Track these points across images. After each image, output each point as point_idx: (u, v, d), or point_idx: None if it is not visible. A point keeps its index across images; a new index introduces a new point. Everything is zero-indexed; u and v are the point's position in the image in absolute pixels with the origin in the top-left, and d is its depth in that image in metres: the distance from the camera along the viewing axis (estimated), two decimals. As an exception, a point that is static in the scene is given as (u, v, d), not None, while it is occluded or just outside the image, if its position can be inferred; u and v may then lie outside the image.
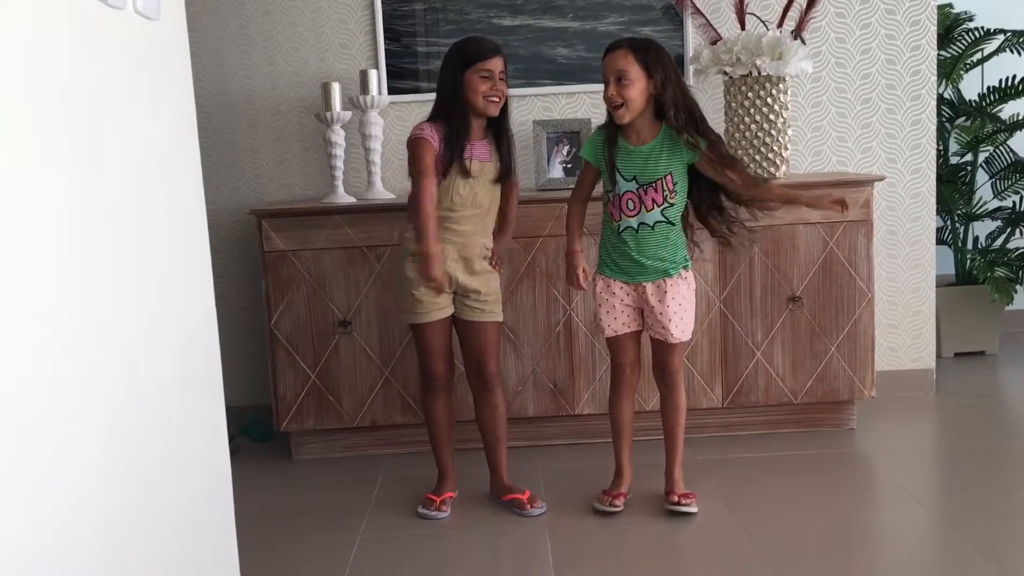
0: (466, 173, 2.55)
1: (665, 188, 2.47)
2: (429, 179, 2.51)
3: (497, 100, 2.56)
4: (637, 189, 2.48)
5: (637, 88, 2.42)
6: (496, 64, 2.54)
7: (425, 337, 2.65)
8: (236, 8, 3.44)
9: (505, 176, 2.66)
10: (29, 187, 0.97)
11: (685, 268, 2.55)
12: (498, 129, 2.65)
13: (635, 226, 2.50)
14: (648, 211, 2.48)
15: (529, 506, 2.67)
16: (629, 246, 2.51)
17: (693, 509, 2.58)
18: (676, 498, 2.59)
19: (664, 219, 2.49)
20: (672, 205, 2.49)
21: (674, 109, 2.43)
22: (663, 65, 2.42)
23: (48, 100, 1.02)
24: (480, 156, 2.59)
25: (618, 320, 2.58)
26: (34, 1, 1.00)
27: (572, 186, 3.18)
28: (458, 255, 2.60)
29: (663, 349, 2.59)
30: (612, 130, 2.52)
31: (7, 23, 0.94)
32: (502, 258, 2.73)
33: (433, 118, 2.60)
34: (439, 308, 2.62)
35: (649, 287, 2.53)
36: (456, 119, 2.55)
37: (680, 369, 2.64)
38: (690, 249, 2.60)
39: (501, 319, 2.71)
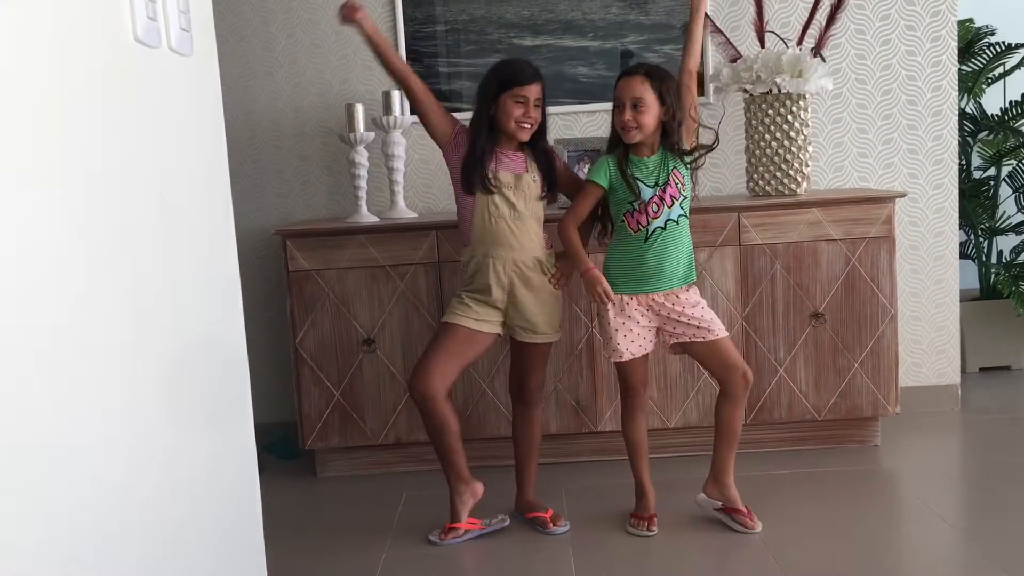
0: (495, 186, 2.57)
1: (677, 181, 2.55)
2: (418, 81, 2.62)
3: (528, 126, 2.57)
4: (657, 192, 2.55)
5: (651, 114, 2.50)
6: (533, 91, 2.55)
7: (445, 335, 2.58)
8: (261, 31, 3.49)
9: (550, 195, 2.66)
10: (63, 212, 1.00)
11: (693, 282, 2.61)
12: (535, 150, 2.64)
13: (663, 225, 2.55)
14: (669, 207, 2.55)
15: (552, 524, 2.68)
16: (655, 251, 2.55)
17: (759, 528, 2.61)
18: (747, 518, 2.62)
19: (682, 211, 2.57)
20: (685, 198, 2.57)
21: (678, 137, 2.53)
22: (672, 93, 2.51)
23: (84, 134, 1.05)
24: (512, 168, 2.60)
25: (635, 343, 2.60)
26: (75, 42, 1.03)
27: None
28: (510, 269, 2.60)
29: (719, 352, 2.57)
30: (622, 150, 2.58)
31: (51, 62, 0.97)
32: (566, 276, 2.69)
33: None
34: (478, 319, 2.61)
35: (669, 297, 2.56)
36: (482, 138, 2.58)
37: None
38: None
39: (556, 338, 2.72)
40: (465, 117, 2.68)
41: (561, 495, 2.94)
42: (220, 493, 1.47)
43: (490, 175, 2.57)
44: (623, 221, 2.58)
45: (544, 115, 2.62)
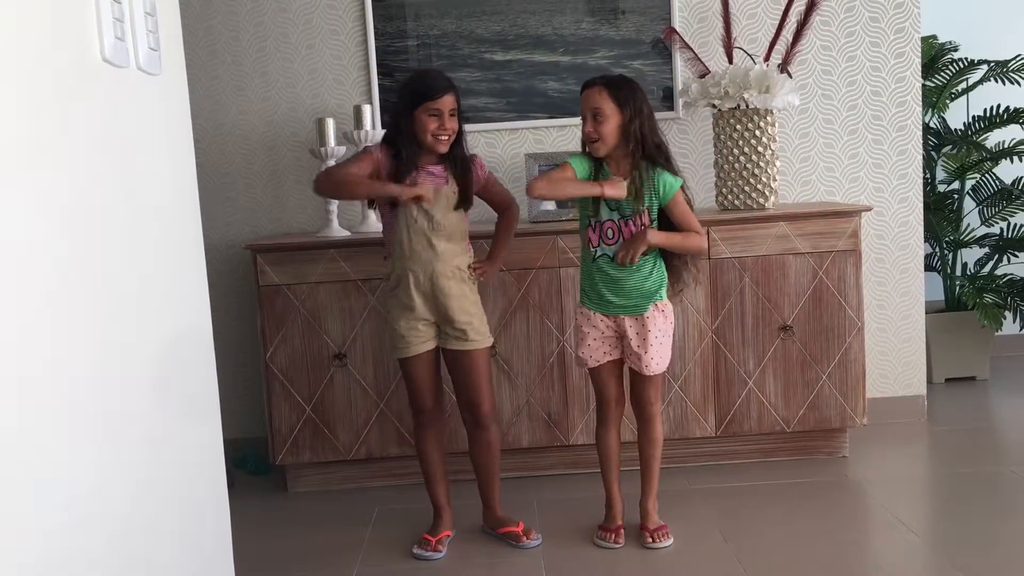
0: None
1: (642, 224, 2.52)
2: (344, 168, 2.58)
3: (446, 138, 2.57)
4: (619, 220, 2.54)
5: (612, 124, 2.49)
6: (446, 102, 2.55)
7: (411, 371, 2.66)
8: (231, 45, 3.48)
9: (464, 204, 2.64)
10: (31, 227, 1.00)
11: (660, 299, 2.58)
12: (453, 160, 2.64)
13: (611, 255, 2.55)
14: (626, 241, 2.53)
15: (525, 538, 2.68)
16: (604, 277, 2.56)
17: (667, 544, 2.62)
18: (650, 537, 2.63)
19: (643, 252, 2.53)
20: None
21: (634, 143, 2.50)
22: (633, 101, 2.49)
23: (52, 153, 1.05)
24: (433, 182, 2.60)
25: (599, 350, 2.62)
26: (42, 63, 1.03)
27: (565, 218, 3.24)
28: (429, 280, 2.60)
29: (640, 380, 2.63)
30: (596, 160, 2.57)
31: (18, 83, 0.97)
32: (485, 272, 2.71)
33: (384, 143, 2.64)
34: (423, 341, 2.64)
35: (627, 319, 2.57)
36: (402, 153, 2.58)
37: (657, 401, 2.67)
38: (675, 286, 2.64)
39: (489, 343, 2.70)
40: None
41: (533, 508, 2.95)
42: (188, 502, 1.46)
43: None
44: (585, 230, 2.61)
45: (461, 124, 2.62)
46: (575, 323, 2.68)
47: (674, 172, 2.55)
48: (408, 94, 2.58)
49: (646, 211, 2.52)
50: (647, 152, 2.51)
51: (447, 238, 2.61)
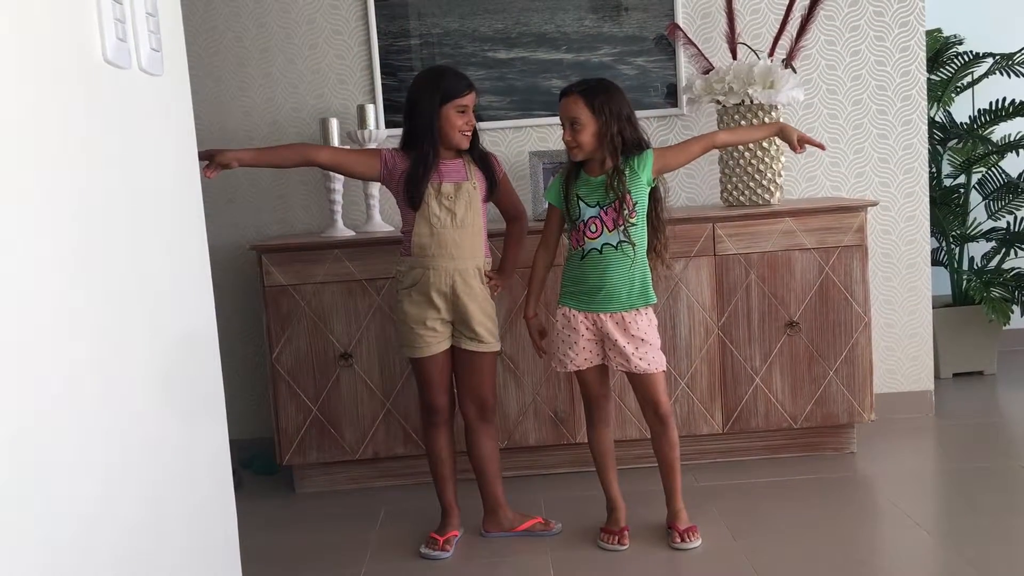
0: (438, 197, 2.58)
1: (625, 207, 2.51)
2: (323, 150, 2.73)
3: (469, 134, 2.61)
4: (599, 212, 2.54)
5: (589, 131, 2.51)
6: (472, 99, 2.60)
7: (425, 370, 2.67)
8: (234, 46, 3.48)
9: (492, 192, 2.68)
10: (35, 230, 1.00)
11: (646, 305, 2.57)
12: (474, 155, 2.67)
13: (599, 247, 2.54)
14: (610, 231, 2.53)
15: (551, 525, 2.75)
16: (592, 271, 2.55)
17: (696, 544, 2.59)
18: (679, 537, 2.59)
19: (627, 239, 2.52)
20: (634, 225, 2.53)
21: (612, 147, 2.51)
22: (609, 106, 2.50)
23: (54, 155, 1.05)
24: (453, 178, 2.62)
25: (580, 355, 2.60)
26: (43, 64, 1.03)
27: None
28: (450, 279, 2.60)
29: (642, 385, 2.59)
30: (573, 166, 2.60)
31: (20, 85, 0.97)
32: (500, 285, 2.73)
33: (403, 147, 2.64)
34: (439, 341, 2.64)
35: (608, 321, 2.55)
36: (425, 150, 2.58)
37: (667, 402, 2.61)
38: (656, 283, 2.61)
39: (498, 349, 2.71)
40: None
41: (540, 507, 2.94)
42: (194, 503, 1.46)
43: (433, 188, 2.58)
44: (569, 235, 2.61)
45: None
46: (556, 327, 2.64)
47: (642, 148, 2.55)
48: (435, 92, 2.57)
49: (629, 195, 2.51)
50: (627, 151, 2.53)
51: (469, 236, 2.62)
